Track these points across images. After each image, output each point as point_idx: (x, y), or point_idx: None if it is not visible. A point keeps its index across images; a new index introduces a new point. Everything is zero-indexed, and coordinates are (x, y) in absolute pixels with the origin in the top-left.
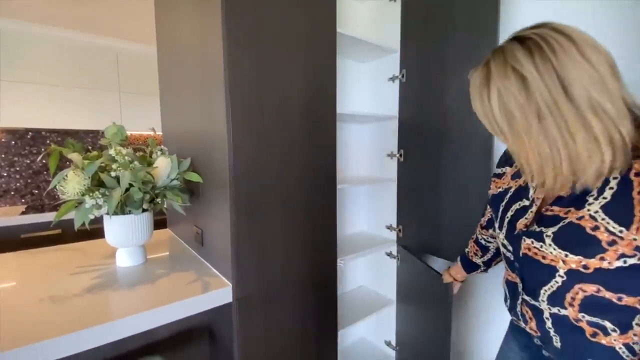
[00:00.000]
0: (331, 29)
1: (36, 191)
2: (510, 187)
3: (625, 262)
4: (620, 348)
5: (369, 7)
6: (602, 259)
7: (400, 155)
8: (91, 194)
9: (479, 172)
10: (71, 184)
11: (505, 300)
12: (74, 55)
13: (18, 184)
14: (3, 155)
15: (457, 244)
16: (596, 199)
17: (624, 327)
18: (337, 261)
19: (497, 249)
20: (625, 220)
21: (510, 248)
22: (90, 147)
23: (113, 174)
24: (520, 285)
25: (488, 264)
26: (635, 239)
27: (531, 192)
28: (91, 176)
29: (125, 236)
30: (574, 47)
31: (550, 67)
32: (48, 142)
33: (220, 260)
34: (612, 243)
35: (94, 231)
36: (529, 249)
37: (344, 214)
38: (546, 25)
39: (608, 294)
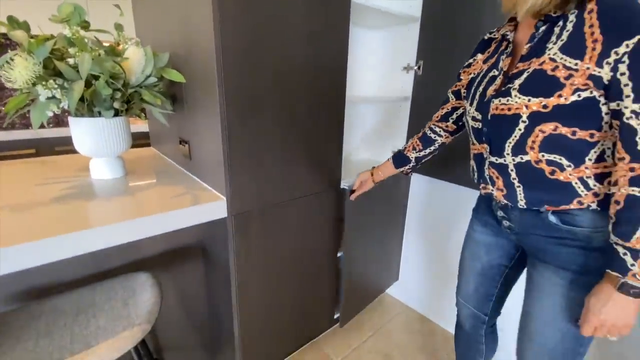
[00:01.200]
0: None
1: (2, 108)
2: (483, 69)
3: (579, 95)
4: (575, 183)
5: None
6: (560, 95)
7: (419, 68)
8: (44, 83)
9: None
10: (17, 69)
11: (473, 174)
12: None
13: None
14: None
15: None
16: (555, 43)
17: (578, 161)
18: (340, 183)
19: (437, 147)
20: (579, 54)
21: (479, 117)
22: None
23: (71, 61)
24: (487, 149)
25: (418, 160)
26: (588, 68)
27: (500, 64)
28: (44, 64)
29: (96, 143)
30: None
31: None
32: (9, 49)
33: (212, 173)
34: (569, 77)
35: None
36: (497, 108)
37: (351, 137)
38: None
39: (564, 130)
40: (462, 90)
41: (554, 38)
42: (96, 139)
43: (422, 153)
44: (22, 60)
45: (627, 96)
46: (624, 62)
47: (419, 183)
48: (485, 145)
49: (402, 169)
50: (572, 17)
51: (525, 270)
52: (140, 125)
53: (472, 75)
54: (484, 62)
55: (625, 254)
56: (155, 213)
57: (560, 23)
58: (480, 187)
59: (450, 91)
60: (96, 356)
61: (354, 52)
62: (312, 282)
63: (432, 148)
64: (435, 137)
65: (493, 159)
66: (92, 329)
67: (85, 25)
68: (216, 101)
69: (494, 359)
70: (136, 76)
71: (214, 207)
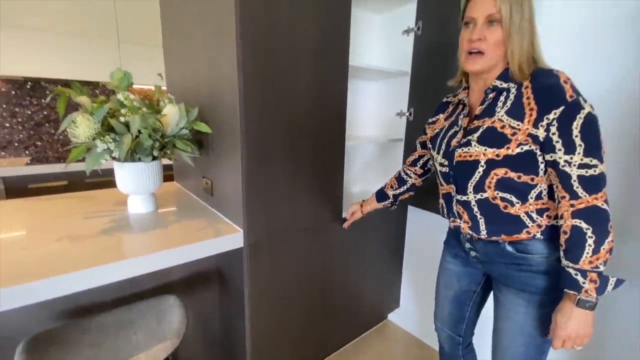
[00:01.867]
0: None
1: (39, 143)
2: (445, 126)
3: (522, 148)
4: (523, 216)
5: None
6: (508, 147)
7: (410, 114)
8: (102, 138)
9: None
10: (82, 127)
11: (442, 210)
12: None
13: (21, 135)
14: (4, 106)
15: None
16: (502, 108)
17: (523, 199)
18: (342, 215)
19: (409, 187)
20: (520, 117)
21: (446, 163)
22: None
23: (122, 119)
24: (454, 189)
25: (395, 197)
26: (527, 128)
27: (460, 122)
28: (101, 121)
29: (136, 183)
30: None
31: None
32: (48, 92)
33: (231, 208)
34: (514, 134)
35: (101, 183)
36: (460, 155)
37: (351, 172)
38: None
39: (512, 174)
40: (427, 142)
41: (500, 104)
42: (136, 180)
43: (397, 191)
44: (84, 120)
45: (559, 150)
46: (553, 125)
47: (415, 216)
48: (452, 186)
49: (383, 204)
50: (513, 90)
51: (492, 293)
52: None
53: (436, 131)
54: (445, 119)
55: (576, 274)
56: (183, 244)
57: (505, 93)
58: (450, 221)
59: (418, 141)
60: None
61: (355, 100)
62: (318, 306)
63: (405, 187)
64: (407, 178)
65: (459, 196)
66: (133, 342)
67: (130, 85)
68: (238, 149)
69: None
70: (171, 128)
71: (232, 238)
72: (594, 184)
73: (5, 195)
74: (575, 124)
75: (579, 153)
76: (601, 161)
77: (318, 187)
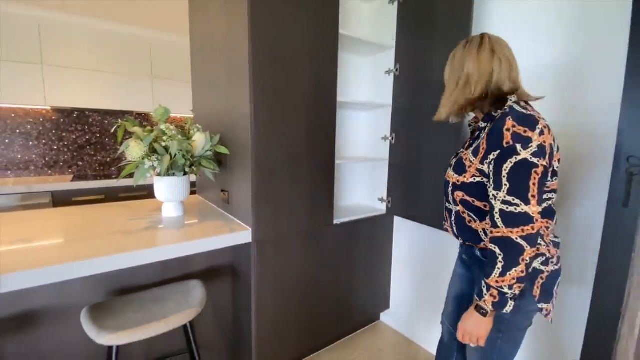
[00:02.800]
0: (334, 31)
1: (81, 163)
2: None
3: (474, 179)
4: (480, 232)
5: (369, 8)
6: (464, 176)
7: (392, 138)
8: (149, 158)
9: (451, 150)
10: (135, 150)
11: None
12: (111, 43)
13: (66, 156)
14: (54, 131)
15: (432, 211)
16: (470, 147)
17: (481, 219)
18: (333, 221)
19: None
20: (476, 154)
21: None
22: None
23: (163, 144)
24: (445, 199)
25: None
26: (477, 164)
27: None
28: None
29: (171, 193)
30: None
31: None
32: (90, 120)
33: (243, 212)
34: (470, 166)
35: (132, 197)
36: (447, 173)
37: (344, 187)
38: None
39: (468, 198)
40: None
41: (476, 139)
42: (171, 190)
43: None
44: (136, 144)
45: (491, 185)
46: (491, 164)
47: (401, 224)
48: (445, 197)
49: None
50: (482, 133)
51: None
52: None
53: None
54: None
55: (484, 286)
56: (206, 237)
57: (481, 131)
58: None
59: None
60: (172, 321)
61: (348, 127)
62: (313, 300)
63: None
64: None
65: (447, 204)
66: (166, 309)
67: (169, 118)
68: (249, 167)
69: None
70: (199, 151)
71: (243, 235)
72: (512, 219)
73: (53, 207)
74: (505, 166)
75: (503, 191)
76: (526, 203)
77: (312, 198)
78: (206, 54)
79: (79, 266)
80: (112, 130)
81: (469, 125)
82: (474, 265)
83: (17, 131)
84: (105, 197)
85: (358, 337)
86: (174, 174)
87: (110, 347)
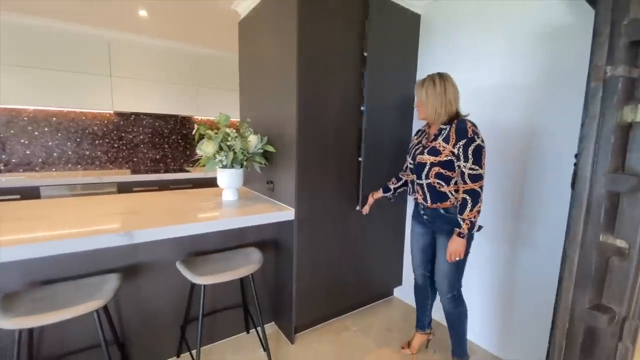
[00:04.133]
0: (360, 54)
1: (135, 159)
2: (414, 143)
3: (447, 158)
4: (447, 192)
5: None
6: (440, 156)
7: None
8: (219, 153)
9: None
10: (208, 147)
11: (409, 191)
12: (165, 57)
13: (124, 153)
14: (115, 132)
15: None
16: (440, 137)
17: (447, 184)
18: (357, 207)
19: (403, 182)
20: (447, 142)
21: (412, 162)
22: (169, 127)
23: (227, 143)
24: (415, 177)
25: (395, 190)
26: (449, 148)
27: (423, 142)
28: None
29: (231, 181)
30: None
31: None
32: (144, 122)
33: (286, 197)
34: (443, 149)
35: (182, 188)
36: (419, 159)
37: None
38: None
39: (443, 171)
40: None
41: (440, 135)
42: (231, 179)
43: (396, 185)
44: (208, 143)
45: (461, 159)
46: (460, 148)
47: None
48: (414, 175)
49: (386, 194)
50: (447, 129)
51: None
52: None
53: (410, 145)
54: (417, 138)
55: (460, 220)
56: (260, 213)
57: (444, 131)
58: (413, 197)
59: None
60: (241, 272)
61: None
62: (339, 272)
63: (401, 183)
64: (402, 177)
65: (418, 180)
66: (235, 264)
67: (229, 122)
68: (294, 160)
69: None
70: (252, 149)
71: (287, 214)
72: (475, 178)
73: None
74: (470, 148)
75: (470, 162)
76: (481, 168)
77: (340, 187)
78: (256, 71)
79: (177, 229)
80: (194, 132)
81: (420, 131)
82: (436, 218)
83: (86, 132)
84: (159, 188)
85: (375, 307)
86: (233, 166)
87: (198, 286)
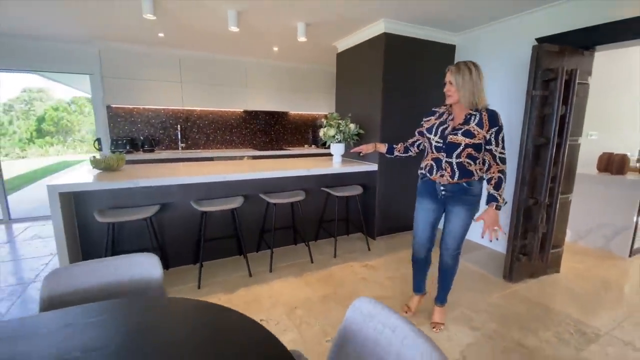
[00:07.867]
0: (425, 73)
1: (254, 142)
2: (436, 123)
3: (479, 141)
4: (474, 170)
5: None
6: (474, 138)
7: None
8: (338, 135)
9: None
10: (331, 132)
11: (431, 170)
12: (285, 75)
13: (248, 138)
14: (242, 124)
15: None
16: (473, 121)
17: (475, 163)
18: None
19: (408, 155)
20: (481, 127)
21: (440, 141)
22: (274, 120)
23: (340, 128)
24: (444, 155)
25: (396, 156)
26: (484, 133)
27: (448, 123)
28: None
29: (340, 150)
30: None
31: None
32: (259, 117)
33: (372, 159)
34: (478, 133)
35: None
36: (451, 139)
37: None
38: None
39: (474, 152)
40: (424, 131)
41: (472, 120)
42: (340, 149)
43: (401, 155)
44: (330, 129)
45: (493, 143)
46: (492, 134)
47: None
48: (443, 154)
49: (386, 154)
50: (478, 115)
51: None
52: (322, 150)
53: (430, 124)
54: (436, 119)
55: (498, 195)
56: (359, 165)
57: (474, 116)
58: (438, 175)
59: (416, 131)
60: (352, 191)
61: None
62: (403, 200)
63: (405, 155)
64: (408, 151)
65: (447, 159)
66: (349, 189)
67: (338, 116)
68: (377, 139)
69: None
70: (351, 132)
71: (373, 166)
72: (504, 161)
73: None
74: (500, 135)
75: (500, 147)
76: (505, 154)
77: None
78: (350, 83)
79: (320, 169)
80: (323, 126)
81: (438, 113)
82: (457, 192)
83: (227, 123)
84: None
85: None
86: (339, 142)
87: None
